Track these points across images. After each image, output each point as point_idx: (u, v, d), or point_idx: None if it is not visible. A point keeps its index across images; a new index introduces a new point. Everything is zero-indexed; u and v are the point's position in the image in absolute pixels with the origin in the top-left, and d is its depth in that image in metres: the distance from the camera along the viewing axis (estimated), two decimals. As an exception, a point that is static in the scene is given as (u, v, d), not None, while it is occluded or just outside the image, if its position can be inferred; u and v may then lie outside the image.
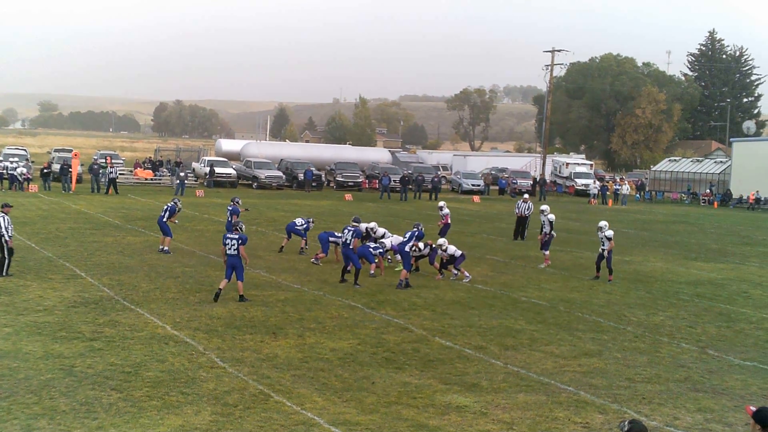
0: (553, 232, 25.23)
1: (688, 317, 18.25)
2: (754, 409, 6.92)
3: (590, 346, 15.19)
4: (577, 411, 11.36)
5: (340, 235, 22.35)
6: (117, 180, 48.01)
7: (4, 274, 19.31)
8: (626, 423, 6.93)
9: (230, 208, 24.70)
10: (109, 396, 11.05)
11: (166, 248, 24.12)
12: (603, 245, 22.34)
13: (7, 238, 19.38)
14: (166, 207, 24.71)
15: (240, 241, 17.63)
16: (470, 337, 15.45)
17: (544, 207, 26.20)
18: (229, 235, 17.78)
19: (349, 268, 20.59)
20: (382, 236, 23.46)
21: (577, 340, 15.61)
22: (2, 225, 19.34)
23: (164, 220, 24.30)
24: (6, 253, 19.48)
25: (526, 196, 33.42)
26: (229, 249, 17.59)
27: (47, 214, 33.87)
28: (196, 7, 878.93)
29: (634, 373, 13.41)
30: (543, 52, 73.58)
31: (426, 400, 11.56)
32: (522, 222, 31.94)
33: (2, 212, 19.67)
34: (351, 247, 20.49)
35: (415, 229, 21.26)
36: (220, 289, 17.58)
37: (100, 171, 48.22)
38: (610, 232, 22.29)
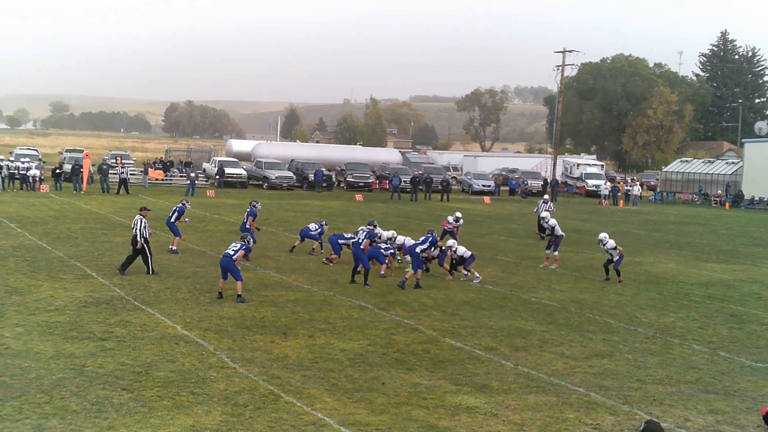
0: (562, 233, 25.09)
1: (700, 318, 18.17)
2: None
3: (601, 347, 15.14)
4: (587, 412, 11.33)
5: (350, 236, 22.51)
6: (128, 180, 48.12)
7: (122, 272, 20.30)
8: (642, 423, 6.91)
9: (248, 210, 24.57)
10: (120, 396, 11.07)
11: (174, 248, 24.19)
12: (611, 256, 22.39)
13: (139, 238, 20.31)
14: (174, 208, 24.75)
15: (243, 248, 18.05)
16: (480, 337, 15.43)
17: (544, 214, 26.25)
18: (236, 242, 18.37)
19: (359, 269, 20.58)
20: (391, 238, 23.37)
21: (587, 341, 15.56)
22: (138, 226, 20.30)
23: (172, 220, 24.32)
24: (134, 252, 20.51)
25: (546, 197, 33.77)
26: (229, 249, 18.06)
27: (58, 214, 33.99)
28: (207, 8, 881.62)
29: (645, 375, 13.36)
30: (554, 53, 73.27)
31: (436, 400, 11.54)
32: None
33: (140, 215, 20.70)
34: (362, 247, 20.51)
35: (429, 235, 21.04)
36: (220, 292, 17.93)
37: (109, 171, 48.31)
38: (611, 243, 22.20)
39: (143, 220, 20.50)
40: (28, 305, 16.38)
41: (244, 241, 18.26)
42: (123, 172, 47.40)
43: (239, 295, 17.64)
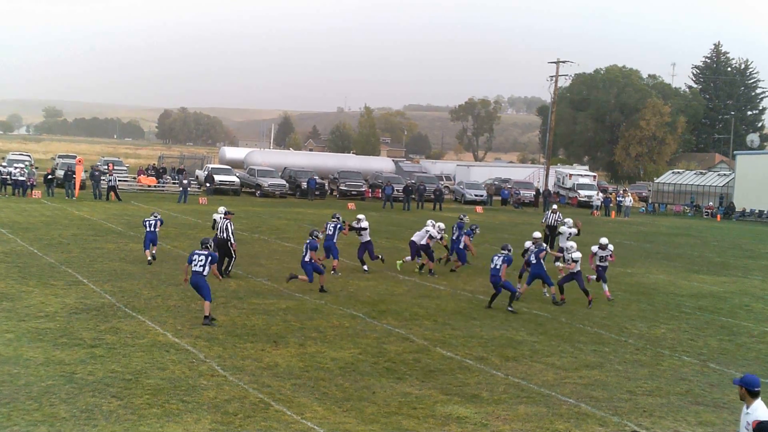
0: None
1: (690, 330, 18.22)
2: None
3: (591, 358, 15.17)
4: (577, 423, 11.34)
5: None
6: (118, 187, 47.84)
7: (226, 274, 21.23)
8: None
9: (308, 242, 20.43)
10: (110, 403, 11.04)
11: (149, 259, 23.80)
12: (601, 263, 21.22)
13: (233, 241, 21.69)
14: (150, 221, 24.01)
15: (209, 259, 16.18)
16: (471, 347, 15.44)
17: (562, 230, 26.23)
18: (197, 251, 16.29)
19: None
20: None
21: (578, 351, 15.59)
22: (230, 230, 21.55)
23: (155, 231, 24.02)
24: (220, 254, 20.89)
25: (555, 207, 34.05)
26: (195, 265, 16.07)
27: (50, 220, 33.92)
28: (201, 15, 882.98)
29: (635, 386, 13.39)
30: (548, 63, 73.46)
31: (426, 410, 11.54)
32: (551, 231, 32.16)
33: (227, 219, 21.73)
34: (501, 274, 19.05)
35: (504, 252, 19.58)
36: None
37: (101, 178, 48.11)
38: (610, 247, 21.41)
39: (231, 223, 21.71)
40: (18, 311, 16.33)
41: (207, 251, 16.49)
42: (111, 180, 47.11)
43: (206, 317, 16.04)
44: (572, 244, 21.56)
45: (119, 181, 50.50)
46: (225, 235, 21.43)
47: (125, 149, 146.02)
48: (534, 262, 20.47)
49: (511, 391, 12.73)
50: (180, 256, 24.95)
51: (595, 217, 56.72)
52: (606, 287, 21.29)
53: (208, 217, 38.24)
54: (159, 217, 24.51)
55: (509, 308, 19.20)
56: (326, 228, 23.57)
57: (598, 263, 21.48)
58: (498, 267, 19.14)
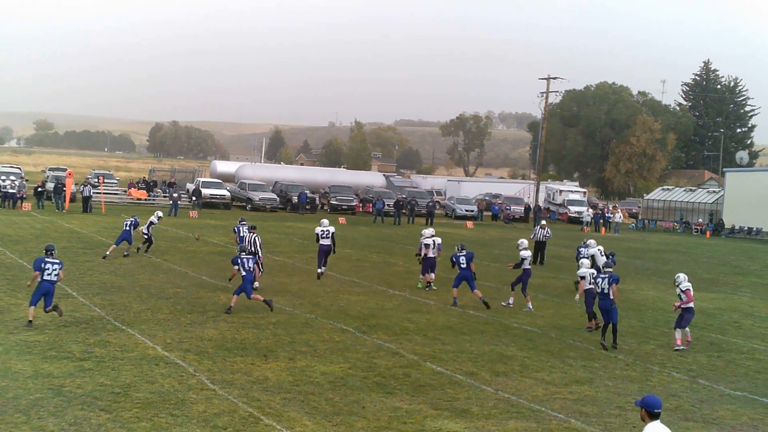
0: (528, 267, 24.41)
1: (680, 346, 18.24)
2: None
3: (581, 373, 15.19)
4: (567, 439, 11.34)
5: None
6: (91, 199, 47.29)
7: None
8: None
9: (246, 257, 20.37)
10: (98, 417, 11.00)
11: (107, 253, 26.32)
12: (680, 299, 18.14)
13: (262, 254, 22.71)
14: (128, 221, 27.31)
15: (61, 266, 16.43)
16: (461, 362, 15.44)
17: (593, 250, 26.06)
18: (47, 259, 16.20)
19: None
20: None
21: (568, 367, 15.61)
22: (258, 243, 22.47)
23: (130, 231, 26.88)
24: (260, 267, 22.22)
25: (544, 222, 34.22)
26: (48, 275, 16.09)
27: (40, 232, 33.80)
28: (193, 29, 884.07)
29: (625, 402, 13.41)
30: (538, 80, 73.63)
31: (416, 425, 11.53)
32: (540, 247, 32.29)
33: (252, 233, 22.67)
34: (612, 298, 17.41)
35: (609, 270, 18.09)
36: (30, 321, 16.17)
37: (90, 190, 47.77)
38: (686, 285, 18.03)
39: (258, 237, 22.55)
40: (7, 324, 16.26)
41: (57, 259, 16.52)
42: (83, 190, 46.75)
43: (30, 321, 16.12)
44: (585, 261, 20.93)
45: (103, 193, 50.39)
46: (254, 249, 22.11)
47: (116, 162, 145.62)
48: (464, 265, 21.20)
49: (501, 406, 12.73)
50: (170, 269, 24.92)
51: (585, 233, 56.81)
52: (678, 333, 18.18)
53: (199, 230, 38.21)
54: (132, 220, 27.37)
55: (603, 342, 17.57)
56: (239, 230, 25.28)
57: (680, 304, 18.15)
58: (607, 291, 17.44)
